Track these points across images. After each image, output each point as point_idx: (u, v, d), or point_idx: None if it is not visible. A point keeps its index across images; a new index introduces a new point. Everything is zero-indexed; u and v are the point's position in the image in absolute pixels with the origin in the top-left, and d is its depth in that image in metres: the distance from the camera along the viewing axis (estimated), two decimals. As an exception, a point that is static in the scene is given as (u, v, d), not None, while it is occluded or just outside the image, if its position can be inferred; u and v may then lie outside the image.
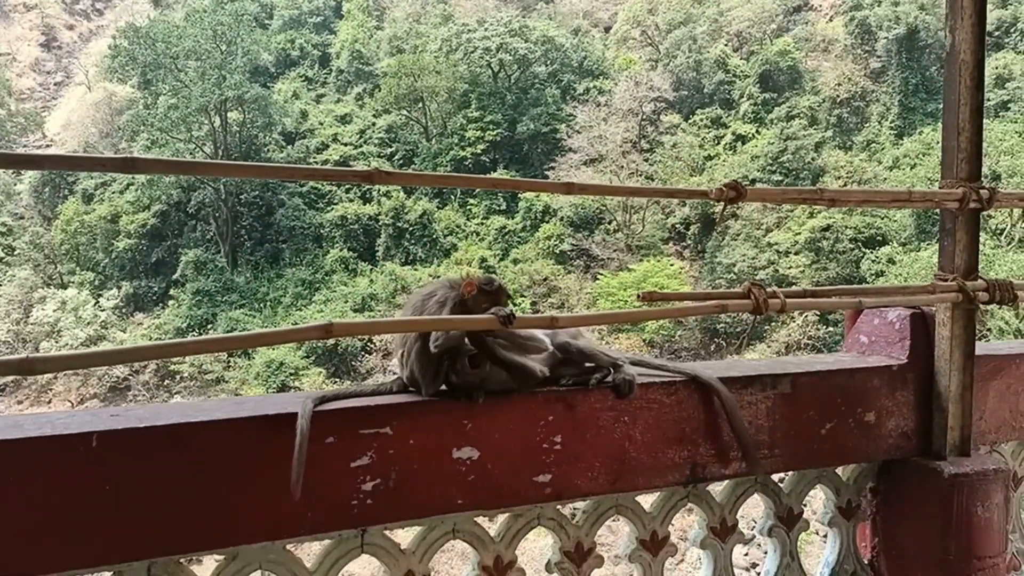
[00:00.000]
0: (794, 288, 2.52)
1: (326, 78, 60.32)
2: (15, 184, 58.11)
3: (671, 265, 43.97)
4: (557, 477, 2.28)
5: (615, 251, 45.14)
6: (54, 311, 45.42)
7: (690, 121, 50.23)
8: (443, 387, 2.20)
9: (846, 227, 40.97)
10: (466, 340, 2.17)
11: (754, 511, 2.92)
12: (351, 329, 1.91)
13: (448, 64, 53.02)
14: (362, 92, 57.07)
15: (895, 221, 41.25)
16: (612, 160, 46.29)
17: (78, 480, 1.78)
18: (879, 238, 40.86)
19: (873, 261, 39.71)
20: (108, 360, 1.75)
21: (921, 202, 2.78)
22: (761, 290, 2.32)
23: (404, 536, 2.25)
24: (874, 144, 46.51)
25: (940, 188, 2.74)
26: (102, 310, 46.54)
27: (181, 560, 1.97)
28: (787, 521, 2.81)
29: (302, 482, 1.90)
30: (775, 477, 2.78)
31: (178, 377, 43.15)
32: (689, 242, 46.69)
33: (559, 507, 2.44)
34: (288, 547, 2.11)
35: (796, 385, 2.61)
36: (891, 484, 2.88)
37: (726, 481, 2.64)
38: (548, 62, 53.80)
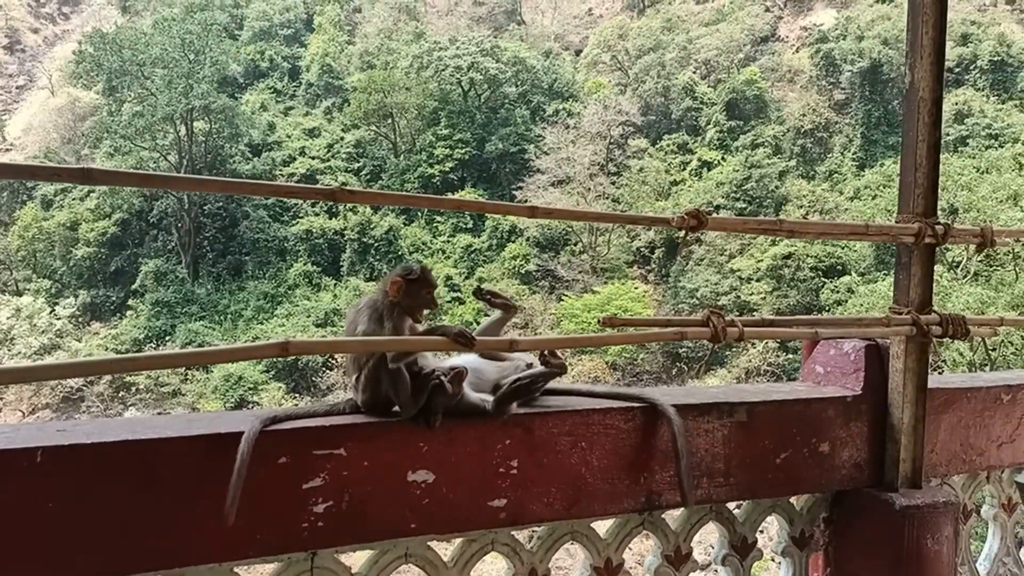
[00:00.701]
0: (752, 317, 2.53)
1: (295, 91, 60.08)
2: (-28, 188, 56.94)
3: (635, 288, 44.29)
4: (513, 502, 2.26)
5: (580, 272, 45.35)
6: (8, 318, 44.45)
7: (657, 146, 50.79)
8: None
9: (807, 255, 41.58)
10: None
11: (710, 538, 2.92)
12: (308, 348, 1.88)
13: (418, 81, 53.14)
14: (331, 106, 56.93)
15: (855, 251, 41.93)
16: (579, 182, 46.61)
17: (21, 497, 1.73)
18: (839, 267, 41.52)
19: (832, 290, 40.30)
20: (59, 373, 1.71)
21: (878, 235, 2.83)
22: (720, 318, 2.34)
23: (356, 559, 2.22)
24: (836, 174, 47.37)
25: (896, 222, 2.79)
26: (58, 318, 45.63)
27: (127, 581, 1.91)
28: (741, 550, 2.82)
29: (250, 503, 1.86)
30: (730, 506, 2.79)
31: (133, 389, 42.35)
32: (653, 266, 47.05)
33: (514, 532, 2.41)
34: (236, 570, 2.06)
35: (752, 414, 2.63)
36: (844, 514, 2.90)
37: (681, 509, 2.64)
38: (518, 83, 54.13)
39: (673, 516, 2.69)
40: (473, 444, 2.20)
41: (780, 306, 40.45)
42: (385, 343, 2.03)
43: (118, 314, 47.87)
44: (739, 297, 41.42)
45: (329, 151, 53.40)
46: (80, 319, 47.87)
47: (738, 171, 46.68)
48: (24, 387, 42.46)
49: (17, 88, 71.02)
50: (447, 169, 50.30)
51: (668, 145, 50.67)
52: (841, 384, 2.87)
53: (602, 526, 2.57)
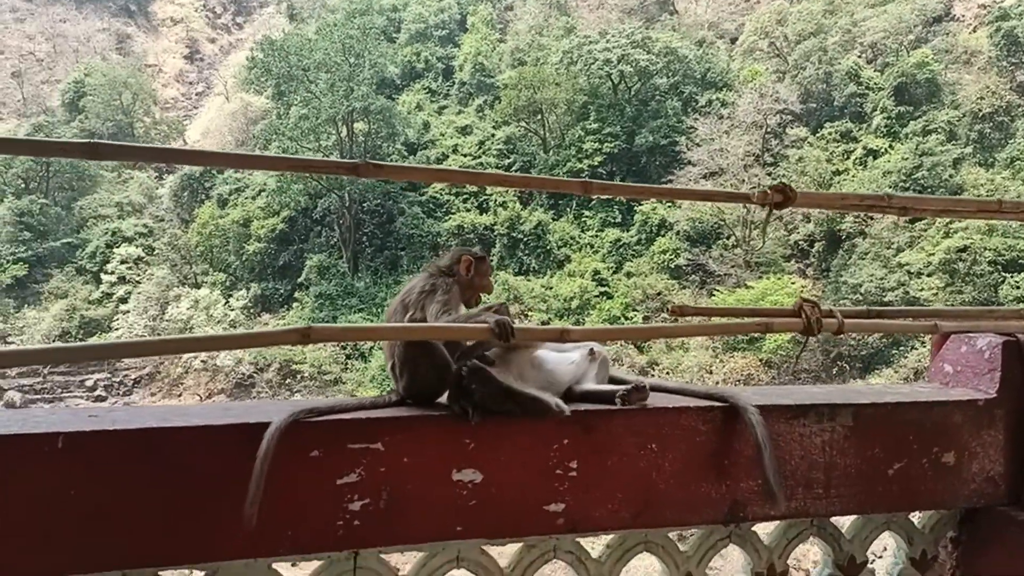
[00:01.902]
0: (856, 307, 2.19)
1: (448, 90, 61.49)
2: (157, 188, 61.93)
3: (792, 283, 42.29)
4: (572, 507, 2.06)
5: (733, 267, 43.85)
6: (188, 309, 47.75)
7: (818, 135, 48.36)
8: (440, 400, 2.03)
9: (985, 248, 38.35)
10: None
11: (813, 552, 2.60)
12: (332, 334, 1.76)
13: (568, 76, 53.04)
14: (483, 104, 57.84)
15: (1042, 243, 38.38)
16: (733, 173, 45.05)
17: (41, 482, 1.71)
18: (1022, 261, 38.05)
19: (1013, 286, 37.01)
20: (68, 357, 1.67)
21: (1014, 213, 2.41)
22: (814, 308, 2.05)
23: (402, 561, 2.09)
24: (1019, 161, 43.40)
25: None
26: (232, 309, 48.61)
27: (159, 573, 1.87)
28: (848, 570, 2.48)
29: (280, 497, 1.77)
30: (836, 520, 2.47)
31: (299, 376, 44.63)
32: (812, 260, 44.84)
33: (579, 540, 2.21)
34: (275, 566, 1.98)
35: (859, 417, 2.30)
36: (975, 535, 2.51)
37: (776, 522, 2.35)
38: (670, 74, 52.96)
39: (766, 530, 2.40)
40: (526, 442, 2.02)
41: (954, 302, 37.39)
42: (416, 330, 1.89)
43: (285, 306, 50.63)
44: (907, 293, 38.74)
45: (480, 148, 54.28)
46: (251, 310, 50.89)
47: (907, 159, 43.68)
48: (201, 373, 45.73)
49: (197, 95, 76.66)
50: (596, 163, 49.97)
51: (830, 134, 48.14)
52: (973, 385, 2.48)
53: (681, 538, 2.33)
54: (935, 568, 2.54)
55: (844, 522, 2.46)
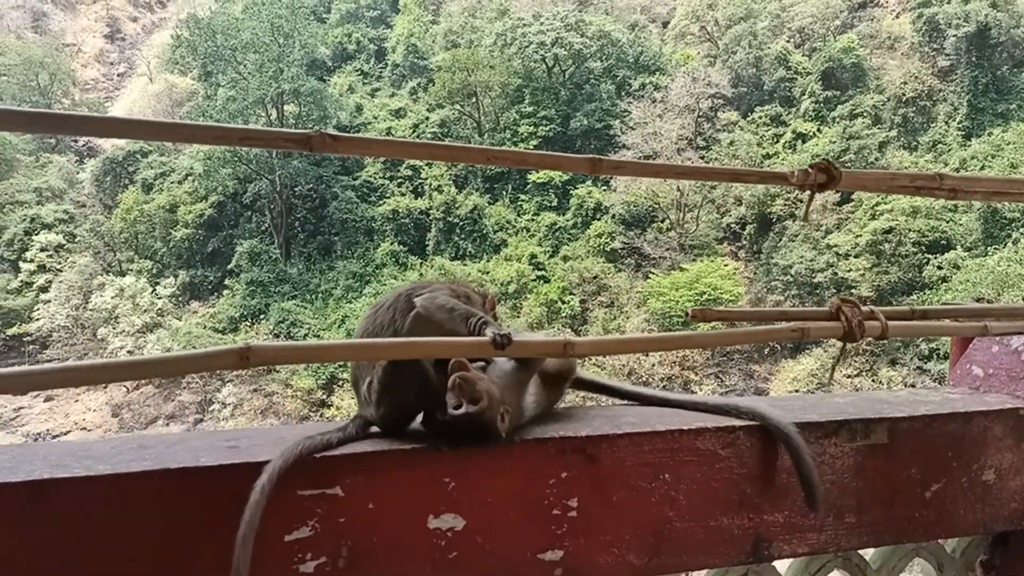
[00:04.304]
0: (900, 307, 1.87)
1: (381, 72, 60.46)
2: (78, 172, 59.37)
3: (725, 266, 42.88)
4: (572, 554, 1.70)
5: (667, 250, 44.22)
6: (112, 298, 46.09)
7: (749, 119, 49.03)
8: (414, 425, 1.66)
9: (909, 230, 39.45)
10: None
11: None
12: (275, 355, 1.36)
13: (502, 59, 52.59)
14: (416, 86, 57.04)
15: (960, 225, 39.58)
16: (667, 157, 45.25)
17: None
18: (943, 242, 39.24)
19: (937, 267, 38.14)
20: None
21: (1069, 196, 2.12)
22: (855, 309, 1.72)
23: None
24: (940, 144, 44.72)
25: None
26: (159, 298, 47.15)
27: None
28: (874, 604, 2.19)
29: (214, 560, 1.36)
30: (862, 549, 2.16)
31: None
32: (744, 242, 45.53)
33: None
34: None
35: (894, 434, 1.99)
36: (1010, 560, 2.24)
37: (791, 559, 2.04)
38: (604, 57, 52.96)
39: (784, 564, 2.09)
40: (516, 478, 1.64)
41: (880, 283, 38.51)
42: (383, 346, 1.50)
43: (215, 293, 49.27)
44: (836, 274, 39.64)
45: (414, 131, 53.50)
46: (180, 298, 49.42)
47: (835, 143, 44.61)
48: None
49: (118, 76, 73.68)
50: (531, 147, 49.65)
51: (760, 117, 48.86)
52: (1009, 391, 2.20)
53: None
54: (965, 596, 2.27)
55: (869, 549, 2.17)
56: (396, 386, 1.60)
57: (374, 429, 1.68)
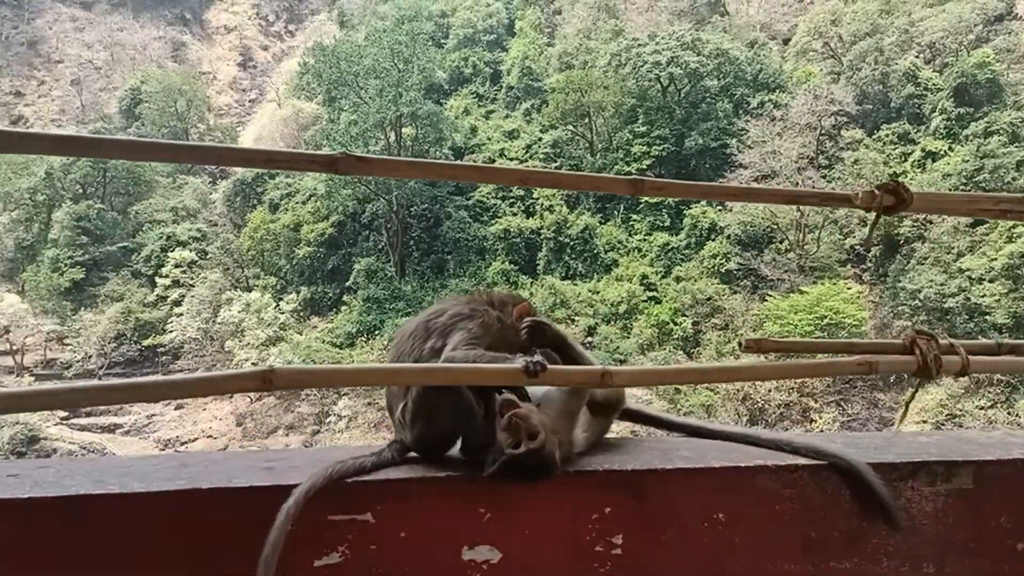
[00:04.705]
0: (984, 341, 1.74)
1: (496, 94, 61.40)
2: (211, 193, 62.89)
3: (848, 289, 41.17)
4: (617, 592, 1.65)
5: (786, 272, 42.84)
6: (239, 312, 48.23)
7: (874, 136, 47.10)
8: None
9: (1052, 253, 36.83)
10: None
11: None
12: (297, 379, 1.39)
13: (616, 79, 52.52)
14: (530, 108, 57.61)
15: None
16: (786, 176, 44.03)
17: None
18: (1089, 267, 36.47)
19: (1082, 294, 35.49)
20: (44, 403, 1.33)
21: None
22: (931, 342, 1.61)
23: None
24: (1084, 163, 41.65)
25: None
26: (282, 312, 49.04)
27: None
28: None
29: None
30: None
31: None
32: (869, 264, 43.60)
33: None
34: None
35: (980, 478, 1.84)
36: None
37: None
38: (721, 76, 52.11)
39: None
40: (556, 511, 1.61)
41: (1017, 310, 36.06)
42: (410, 372, 1.50)
43: (334, 309, 50.92)
44: (969, 300, 37.40)
45: (527, 151, 54.02)
46: (301, 313, 51.32)
47: (968, 161, 42.19)
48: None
49: (249, 102, 77.73)
50: (644, 167, 49.31)
51: (887, 135, 46.84)
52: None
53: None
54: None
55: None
56: (430, 409, 1.60)
57: (413, 454, 1.68)
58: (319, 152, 1.37)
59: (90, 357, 49.18)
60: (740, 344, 1.62)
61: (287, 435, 42.94)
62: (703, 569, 1.69)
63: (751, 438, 1.88)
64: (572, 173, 1.69)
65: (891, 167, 45.37)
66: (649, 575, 1.66)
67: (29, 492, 1.42)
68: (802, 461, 1.75)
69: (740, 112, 50.14)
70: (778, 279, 42.58)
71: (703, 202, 46.25)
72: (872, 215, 1.55)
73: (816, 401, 37.54)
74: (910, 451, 1.85)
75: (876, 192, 1.50)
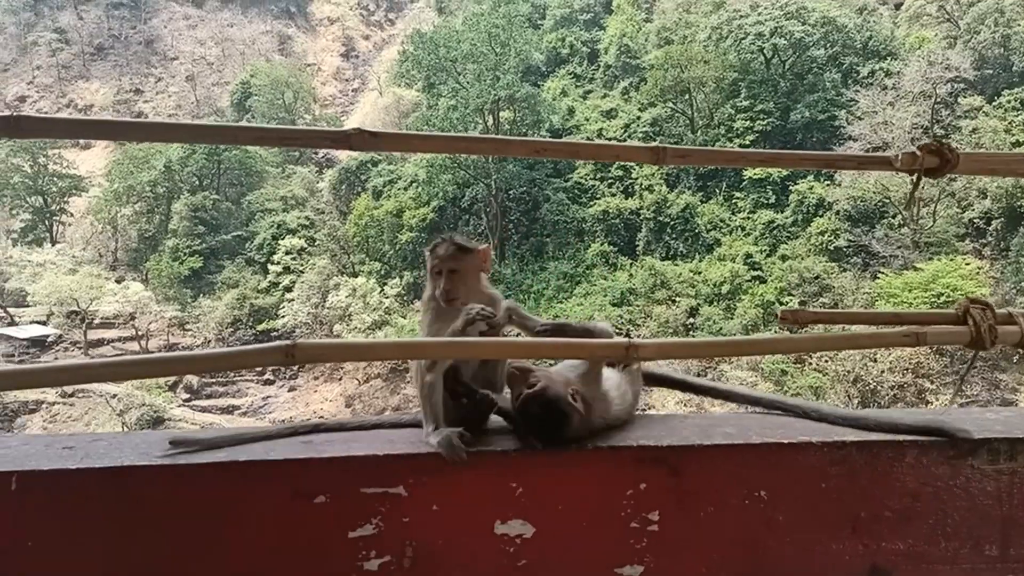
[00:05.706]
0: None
1: (594, 74, 60.84)
2: (317, 182, 64.80)
3: (966, 264, 39.02)
4: (653, 570, 1.61)
5: (899, 248, 40.93)
6: (346, 297, 49.68)
7: (995, 103, 44.34)
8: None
9: None
10: None
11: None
12: (319, 353, 1.40)
13: (717, 53, 51.15)
14: (628, 86, 56.83)
15: None
16: (899, 148, 40.55)
17: (-5, 531, 1.44)
18: None
19: None
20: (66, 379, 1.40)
21: None
22: (986, 311, 1.49)
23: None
24: None
25: None
26: (386, 297, 50.19)
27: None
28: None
29: (276, 550, 1.42)
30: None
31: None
32: (990, 239, 41.18)
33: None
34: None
35: (1050, 458, 1.71)
36: None
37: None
38: (828, 45, 50.04)
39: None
40: (589, 486, 1.58)
41: None
42: (430, 345, 1.50)
43: (436, 293, 51.69)
44: (1102, 274, 34.94)
45: (625, 131, 53.34)
46: (404, 298, 52.35)
47: (1102, 126, 39.31)
48: (357, 359, 47.47)
49: (352, 91, 79.54)
50: (748, 143, 47.93)
51: (1009, 102, 44.01)
52: None
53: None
54: None
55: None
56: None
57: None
58: (331, 129, 1.38)
59: (209, 342, 51.60)
60: (778, 315, 1.54)
61: (393, 416, 43.95)
62: (744, 546, 1.63)
63: (769, 401, 1.79)
64: (591, 143, 1.64)
65: (1014, 135, 42.67)
66: (687, 550, 1.62)
67: (79, 463, 1.50)
68: (850, 437, 1.66)
69: (849, 82, 48.10)
70: (891, 255, 40.74)
71: (810, 177, 44.65)
72: (913, 178, 1.44)
73: (932, 382, 35.83)
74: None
75: (918, 153, 1.40)
